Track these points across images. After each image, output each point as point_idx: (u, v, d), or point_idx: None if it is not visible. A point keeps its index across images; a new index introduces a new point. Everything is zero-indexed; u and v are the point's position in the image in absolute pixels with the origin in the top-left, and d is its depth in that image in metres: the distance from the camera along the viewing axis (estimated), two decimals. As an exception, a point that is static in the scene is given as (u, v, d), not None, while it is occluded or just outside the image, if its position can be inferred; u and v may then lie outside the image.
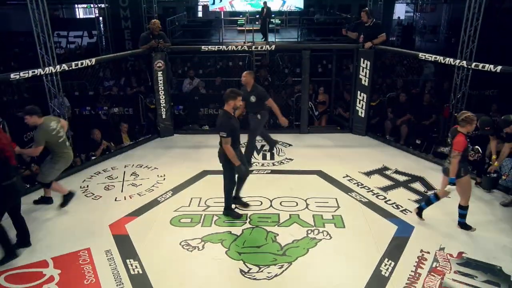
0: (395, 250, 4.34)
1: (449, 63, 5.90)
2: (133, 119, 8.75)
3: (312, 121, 8.41)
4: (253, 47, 7.20)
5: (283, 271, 4.03)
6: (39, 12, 5.66)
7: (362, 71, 7.06)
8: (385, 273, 4.00)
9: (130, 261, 4.16)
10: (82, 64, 5.79)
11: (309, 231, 4.66)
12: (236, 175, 4.84)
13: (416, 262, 4.16)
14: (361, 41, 7.16)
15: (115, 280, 3.90)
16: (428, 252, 4.30)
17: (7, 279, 3.93)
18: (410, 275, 3.98)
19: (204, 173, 6.05)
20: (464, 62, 5.74)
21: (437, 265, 4.13)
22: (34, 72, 5.35)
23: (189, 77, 9.39)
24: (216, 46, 7.17)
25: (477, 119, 4.94)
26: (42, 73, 5.50)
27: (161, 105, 7.25)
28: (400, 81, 9.68)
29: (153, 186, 5.72)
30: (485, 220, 4.90)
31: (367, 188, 5.63)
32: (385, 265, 4.11)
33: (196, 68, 10.95)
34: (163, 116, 7.34)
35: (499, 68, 5.25)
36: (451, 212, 4.88)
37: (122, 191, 5.62)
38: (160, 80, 7.04)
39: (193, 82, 9.43)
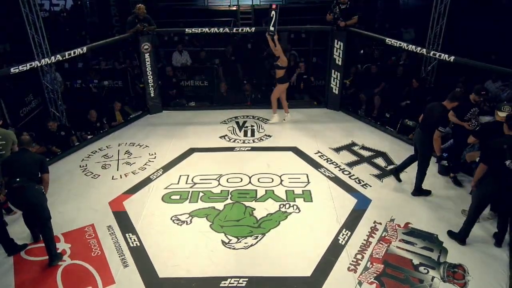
0: (352, 221, 5.15)
1: (411, 49, 6.47)
2: (123, 91, 9.27)
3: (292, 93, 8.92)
4: (234, 29, 7.57)
5: (258, 241, 4.82)
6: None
7: (336, 51, 7.58)
8: (342, 241, 4.82)
9: (129, 235, 4.92)
10: (75, 53, 6.24)
11: (281, 205, 5.43)
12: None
13: (369, 232, 4.98)
14: (344, 23, 7.55)
15: (117, 252, 4.68)
16: (380, 223, 5.12)
17: (27, 252, 4.69)
18: (362, 243, 4.80)
19: (191, 151, 6.73)
20: (424, 50, 6.34)
21: (386, 234, 4.96)
22: (31, 65, 5.81)
23: (178, 51, 9.79)
24: (200, 29, 7.58)
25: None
26: (39, 65, 5.97)
27: (150, 84, 7.78)
28: (376, 52, 10.16)
29: (145, 164, 6.40)
30: (432, 195, 5.64)
31: (335, 164, 6.38)
32: (343, 234, 4.92)
33: (182, 35, 11.26)
34: (152, 95, 7.90)
35: (452, 58, 5.87)
36: (405, 188, 5.72)
37: (118, 169, 6.30)
38: (148, 62, 7.52)
39: (182, 55, 9.86)
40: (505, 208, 4.68)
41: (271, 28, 7.10)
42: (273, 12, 7.08)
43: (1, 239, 4.65)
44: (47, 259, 4.52)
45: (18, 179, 4.30)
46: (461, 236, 4.78)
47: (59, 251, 4.67)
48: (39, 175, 4.49)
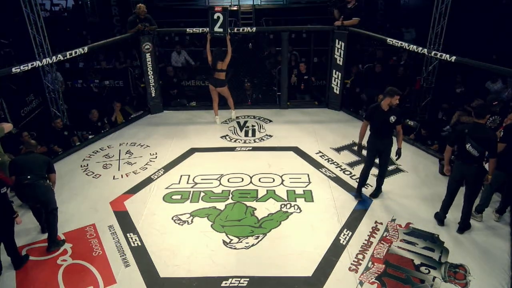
0: (353, 221, 5.14)
1: (412, 49, 6.47)
2: (124, 91, 9.29)
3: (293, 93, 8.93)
4: (235, 29, 7.54)
5: (259, 241, 4.82)
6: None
7: (337, 52, 7.58)
8: (343, 241, 4.82)
9: (130, 235, 4.92)
10: (76, 53, 6.25)
11: (283, 205, 5.43)
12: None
13: (370, 232, 4.97)
14: (341, 21, 7.54)
15: (118, 252, 4.67)
16: (381, 223, 5.11)
17: (29, 252, 4.69)
18: (363, 243, 4.79)
19: (192, 151, 6.73)
20: (425, 50, 6.33)
21: (387, 234, 4.95)
22: (33, 64, 5.82)
23: (176, 51, 9.79)
24: (201, 29, 7.56)
25: None
26: (40, 64, 5.97)
27: (151, 84, 7.78)
28: (380, 52, 10.14)
29: (146, 164, 6.40)
30: (433, 195, 5.62)
31: (336, 164, 6.38)
32: (344, 234, 4.92)
33: (182, 35, 11.27)
34: (153, 95, 7.90)
35: (453, 58, 5.87)
36: (405, 188, 5.71)
37: (119, 169, 6.30)
38: (149, 62, 7.52)
39: (180, 55, 9.85)
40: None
41: (219, 30, 7.25)
42: (218, 14, 7.17)
43: (10, 253, 4.51)
44: (48, 258, 4.54)
45: (28, 176, 4.56)
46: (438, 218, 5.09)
47: (60, 250, 4.69)
48: (46, 175, 4.75)
